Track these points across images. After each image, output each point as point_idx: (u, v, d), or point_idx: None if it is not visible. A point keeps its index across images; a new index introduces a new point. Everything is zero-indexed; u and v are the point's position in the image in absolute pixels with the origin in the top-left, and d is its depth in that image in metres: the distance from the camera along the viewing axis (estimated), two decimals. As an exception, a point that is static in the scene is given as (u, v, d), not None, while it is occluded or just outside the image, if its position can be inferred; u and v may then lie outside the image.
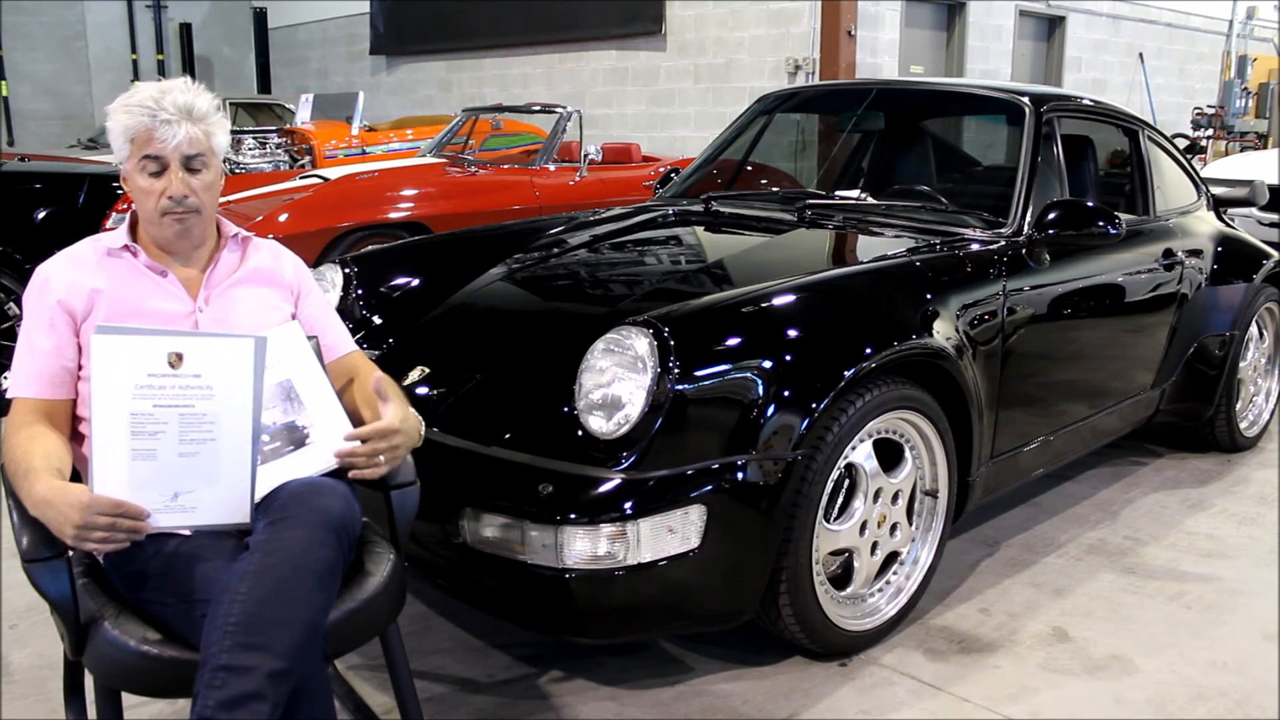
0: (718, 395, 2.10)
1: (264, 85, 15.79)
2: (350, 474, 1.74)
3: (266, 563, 1.52)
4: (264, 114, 10.36)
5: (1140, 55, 11.99)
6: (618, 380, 2.09)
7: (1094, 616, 2.68)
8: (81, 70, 14.86)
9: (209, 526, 1.60)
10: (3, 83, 14.16)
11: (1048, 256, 2.93)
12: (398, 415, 1.76)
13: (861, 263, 2.85)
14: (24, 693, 2.27)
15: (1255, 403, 4.13)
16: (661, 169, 6.00)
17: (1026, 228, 2.94)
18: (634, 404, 2.05)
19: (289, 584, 1.50)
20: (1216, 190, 4.23)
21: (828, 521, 2.31)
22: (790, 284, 2.37)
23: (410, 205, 5.63)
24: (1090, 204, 2.92)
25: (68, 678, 1.75)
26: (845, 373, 2.20)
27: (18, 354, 1.72)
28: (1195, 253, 3.68)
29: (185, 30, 15.64)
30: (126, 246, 1.78)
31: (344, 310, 2.81)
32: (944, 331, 2.49)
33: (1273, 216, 6.32)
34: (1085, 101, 3.57)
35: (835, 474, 2.26)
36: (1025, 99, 3.22)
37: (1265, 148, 10.83)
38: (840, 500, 2.36)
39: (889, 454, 2.46)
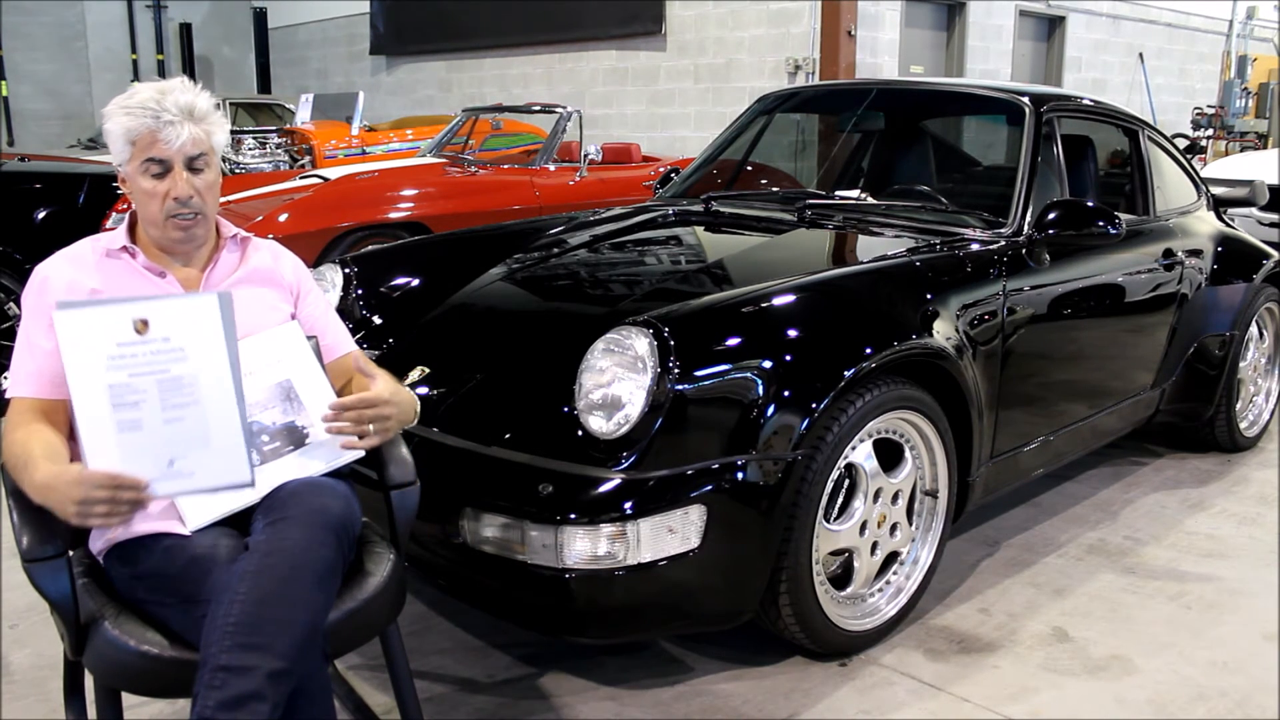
0: (718, 395, 2.10)
1: (264, 85, 15.79)
2: (342, 444, 1.73)
3: (266, 563, 1.52)
4: (264, 114, 10.37)
5: (1140, 55, 11.99)
6: (618, 380, 2.09)
7: (1094, 616, 2.68)
8: (81, 70, 14.87)
9: (211, 489, 1.59)
10: (3, 83, 14.16)
11: (1048, 256, 2.93)
12: (386, 388, 1.76)
13: (861, 263, 2.85)
14: (24, 693, 2.27)
15: (1255, 403, 4.13)
16: (661, 169, 6.00)
17: (1026, 228, 2.94)
18: (634, 404, 2.05)
19: (289, 584, 1.50)
20: (1216, 190, 4.23)
21: (828, 521, 2.31)
22: (790, 284, 2.37)
23: (410, 205, 5.63)
24: (1090, 204, 2.92)
25: (68, 678, 1.75)
26: (845, 373, 2.20)
27: (17, 353, 1.72)
28: (1195, 253, 3.68)
29: (185, 30, 15.64)
30: (125, 248, 1.77)
31: (344, 310, 2.81)
32: (944, 331, 2.49)
33: (1273, 216, 6.32)
34: (1085, 101, 3.57)
35: (835, 474, 2.26)
36: (1025, 99, 3.22)
37: (1265, 148, 10.83)
38: (840, 500, 2.36)
39: (889, 454, 2.46)
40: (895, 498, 2.48)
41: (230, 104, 9.74)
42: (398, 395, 1.78)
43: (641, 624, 2.19)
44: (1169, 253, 3.51)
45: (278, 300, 1.90)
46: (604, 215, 3.51)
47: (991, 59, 10.16)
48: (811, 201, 3.24)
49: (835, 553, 2.40)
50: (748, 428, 2.09)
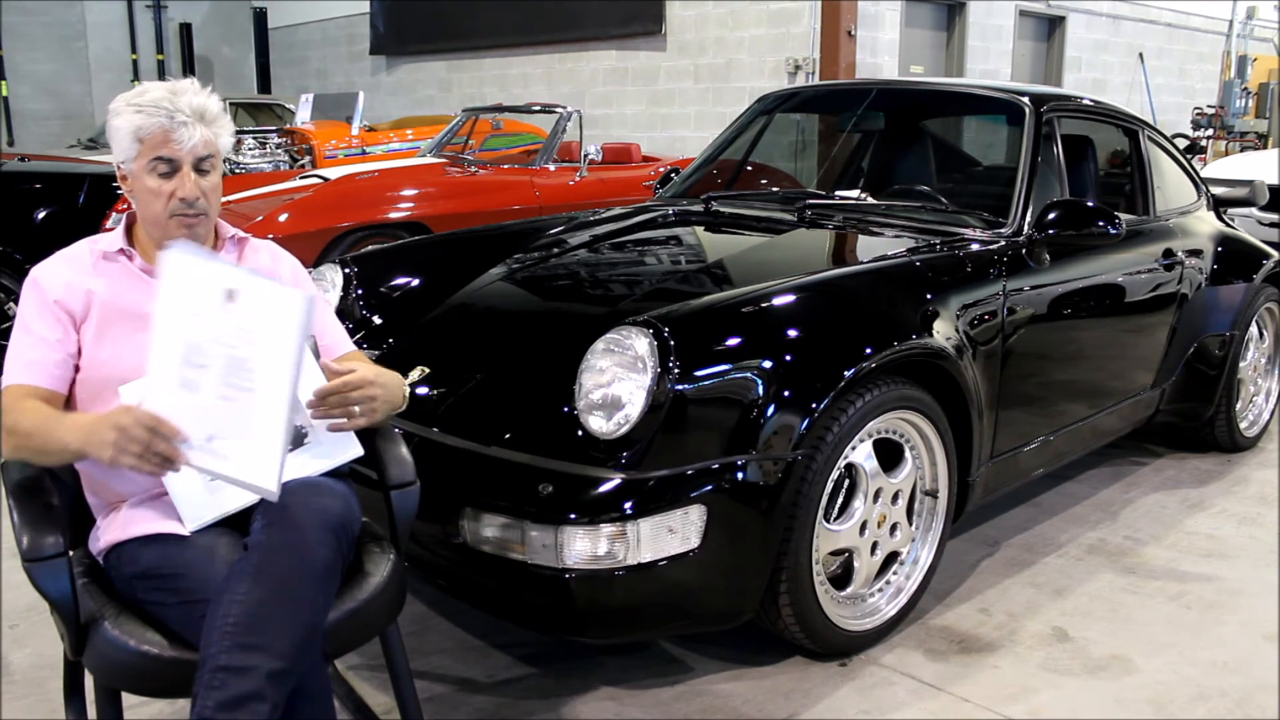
0: (718, 395, 2.10)
1: (264, 85, 15.79)
2: (329, 426, 1.72)
3: (265, 563, 1.52)
4: (264, 114, 10.36)
5: (1140, 55, 11.99)
6: (618, 380, 2.09)
7: (1094, 616, 2.68)
8: (81, 70, 14.86)
9: (235, 480, 1.58)
10: (3, 83, 14.16)
11: (1048, 256, 2.93)
12: (370, 371, 1.76)
13: (861, 263, 2.85)
14: (24, 693, 2.27)
15: (1255, 403, 4.13)
16: (661, 169, 6.00)
17: (1026, 228, 2.94)
18: (634, 404, 2.05)
19: (288, 584, 1.50)
20: (1216, 190, 4.23)
21: (828, 521, 2.31)
22: (790, 284, 2.37)
23: (410, 205, 5.63)
24: (1090, 204, 2.92)
25: (68, 678, 1.75)
26: (845, 373, 2.20)
27: (14, 346, 1.69)
28: (1195, 253, 3.68)
29: (185, 30, 15.63)
30: (122, 250, 1.77)
31: (344, 310, 2.81)
32: (944, 331, 2.49)
33: (1273, 216, 6.32)
34: (1085, 101, 3.57)
35: (835, 474, 2.26)
36: (1025, 99, 3.22)
37: (1265, 148, 10.83)
38: (840, 500, 2.36)
39: (889, 454, 2.46)
40: (895, 498, 2.48)
41: (230, 104, 9.72)
42: (381, 377, 1.77)
43: (641, 624, 2.19)
44: (1169, 253, 3.51)
45: (277, 300, 1.89)
46: (604, 215, 3.51)
47: (991, 59, 10.15)
48: (811, 201, 3.24)
49: (835, 553, 2.40)
50: (748, 428, 2.09)
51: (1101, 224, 2.85)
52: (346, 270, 2.93)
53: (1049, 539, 3.16)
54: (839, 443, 2.22)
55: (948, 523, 2.63)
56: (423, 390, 2.41)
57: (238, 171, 7.49)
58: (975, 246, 2.82)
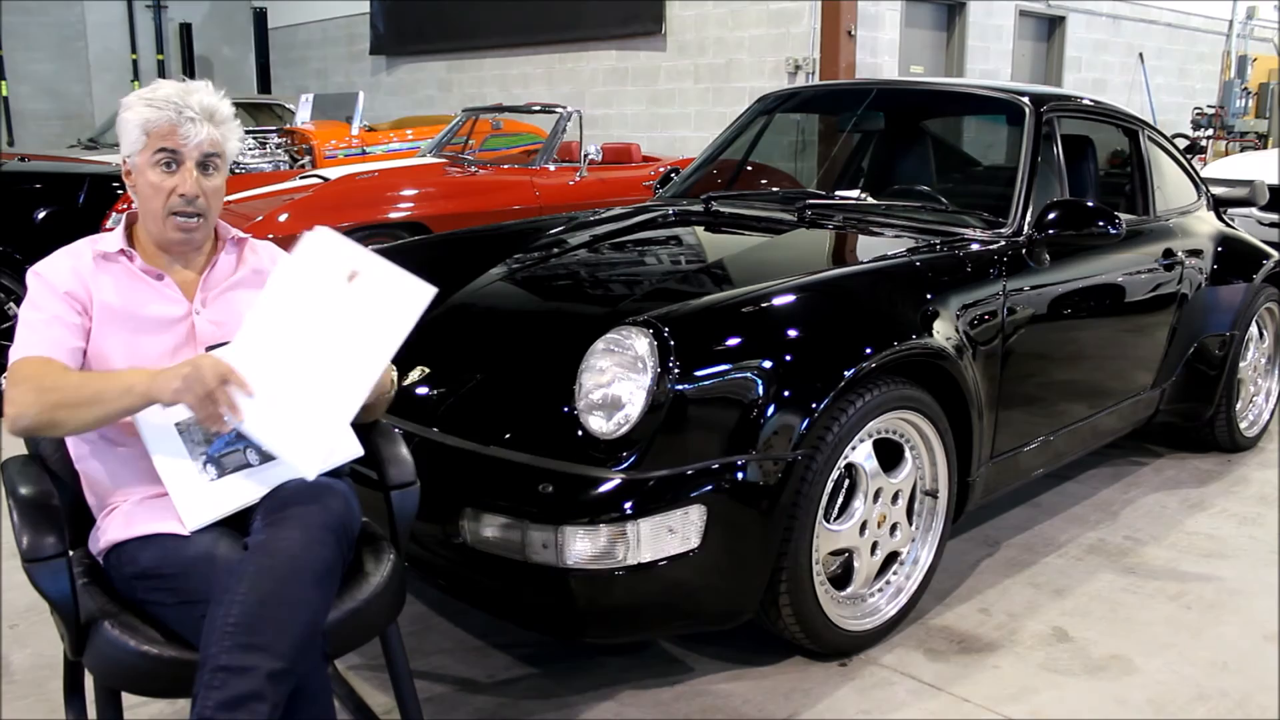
0: (718, 395, 2.10)
1: (264, 85, 15.78)
2: None
3: (266, 563, 1.52)
4: (264, 114, 10.36)
5: (1140, 55, 11.98)
6: (618, 380, 2.09)
7: (1094, 616, 2.68)
8: (81, 70, 14.85)
9: (279, 455, 1.60)
10: (3, 83, 14.15)
11: (1048, 256, 2.93)
12: None
13: (861, 263, 2.85)
14: (24, 693, 2.27)
15: (1255, 403, 4.13)
16: (661, 169, 6.00)
17: (1026, 228, 2.94)
18: (634, 404, 2.05)
19: (288, 584, 1.50)
20: (1216, 190, 4.23)
21: (828, 521, 2.31)
22: (790, 284, 2.37)
23: (410, 205, 5.63)
24: (1090, 204, 2.92)
25: (68, 678, 1.75)
26: (845, 373, 2.20)
27: (24, 328, 1.67)
28: (1195, 253, 3.68)
29: (185, 30, 15.63)
30: (123, 251, 1.77)
31: (344, 310, 2.81)
32: (944, 331, 2.49)
33: (1273, 216, 6.32)
34: (1085, 101, 3.57)
35: (835, 474, 2.26)
36: (1025, 99, 3.22)
37: (1265, 148, 10.83)
38: (840, 500, 2.36)
39: (889, 454, 2.46)
40: (895, 498, 2.48)
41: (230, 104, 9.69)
42: None
43: (641, 624, 2.19)
44: (1169, 253, 3.51)
45: (277, 300, 1.89)
46: (604, 215, 3.51)
47: (991, 59, 10.15)
48: (811, 201, 3.24)
49: (835, 553, 2.40)
50: (748, 428, 2.09)
51: (1101, 224, 2.85)
52: (346, 270, 2.92)
53: (1049, 539, 3.16)
54: (839, 443, 2.22)
55: (948, 523, 2.63)
56: (423, 390, 2.41)
57: (238, 171, 7.49)
58: (975, 246, 2.83)
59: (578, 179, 6.27)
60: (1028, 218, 2.95)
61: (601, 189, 6.25)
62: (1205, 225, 3.90)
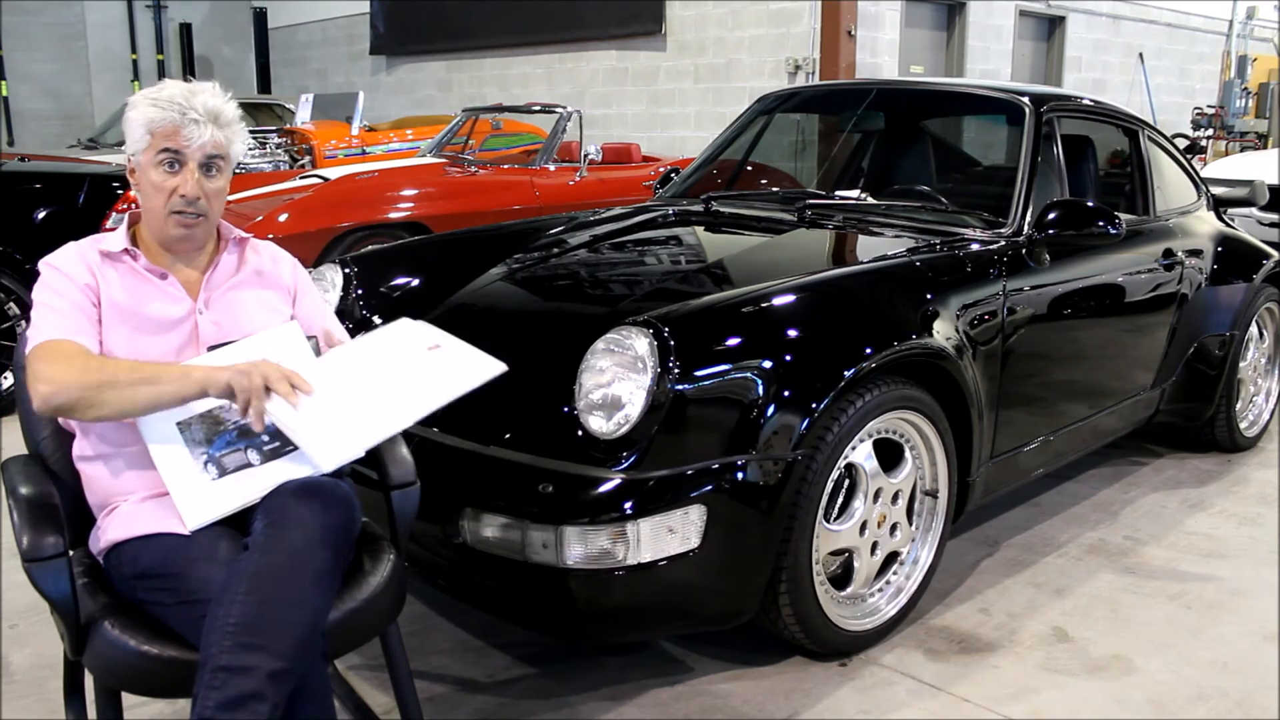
0: (718, 395, 2.10)
1: (264, 85, 15.78)
2: None
3: (266, 563, 1.52)
4: (264, 114, 10.35)
5: (1140, 55, 11.98)
6: (618, 380, 2.09)
7: (1094, 616, 2.68)
8: (81, 70, 14.85)
9: (300, 442, 1.65)
10: (3, 83, 14.15)
11: (1048, 256, 2.93)
12: None
13: (861, 263, 2.85)
14: (24, 693, 2.27)
15: (1255, 403, 4.13)
16: (661, 169, 6.00)
17: (1026, 228, 2.94)
18: (634, 404, 2.05)
19: (288, 584, 1.50)
20: (1216, 190, 4.23)
21: (828, 521, 2.31)
22: (790, 284, 2.37)
23: (410, 205, 5.63)
24: (1090, 204, 2.92)
25: (68, 678, 1.75)
26: (845, 373, 2.20)
27: (48, 311, 1.68)
28: (1195, 253, 3.68)
29: (185, 30, 15.62)
30: (126, 250, 1.77)
31: (344, 310, 2.81)
32: (944, 331, 2.49)
33: (1273, 216, 6.32)
34: (1085, 101, 3.57)
35: (835, 474, 2.26)
36: (1025, 99, 3.22)
37: (1265, 148, 10.83)
38: (840, 500, 2.36)
39: (889, 454, 2.46)
40: (895, 498, 2.48)
41: (230, 104, 9.66)
42: None
43: (641, 624, 2.19)
44: (1169, 253, 3.51)
45: (277, 302, 1.90)
46: (604, 215, 3.51)
47: (991, 59, 10.15)
48: (811, 201, 3.24)
49: (835, 553, 2.40)
50: (748, 428, 2.09)
51: (1101, 224, 2.85)
52: (346, 270, 2.93)
53: (1049, 539, 3.16)
54: (839, 443, 2.22)
55: (948, 523, 2.63)
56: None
57: (238, 171, 7.49)
58: (975, 246, 2.83)
59: (578, 179, 6.27)
60: (1028, 218, 2.95)
61: (601, 189, 6.25)
62: (1205, 225, 3.90)
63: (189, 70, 15.40)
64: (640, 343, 2.09)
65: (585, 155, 6.24)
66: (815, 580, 2.28)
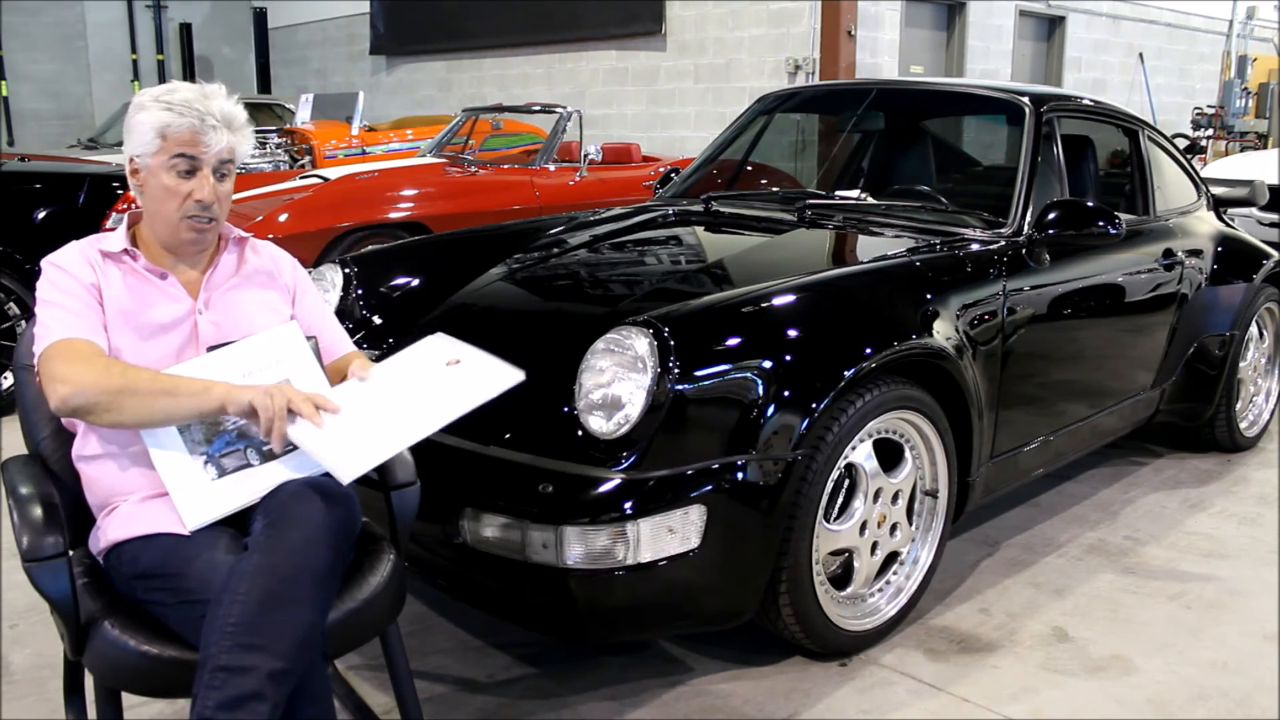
0: (718, 395, 2.10)
1: (264, 85, 15.78)
2: None
3: (266, 563, 1.52)
4: (264, 114, 10.35)
5: (1140, 55, 11.98)
6: (618, 380, 2.09)
7: (1094, 616, 2.68)
8: (81, 70, 14.85)
9: (320, 458, 1.65)
10: (3, 83, 14.15)
11: (1048, 256, 2.93)
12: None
13: (861, 263, 2.85)
14: (24, 693, 2.27)
15: (1255, 403, 4.13)
16: (661, 169, 6.00)
17: (1026, 228, 2.94)
18: (634, 404, 2.05)
19: (288, 584, 1.50)
20: (1216, 190, 4.23)
21: (828, 521, 2.31)
22: (790, 284, 2.37)
23: (410, 205, 5.63)
24: (1090, 204, 2.92)
25: (68, 678, 1.75)
26: (845, 373, 2.20)
27: (58, 309, 1.67)
28: (1195, 253, 3.68)
29: (185, 30, 15.63)
30: (126, 251, 1.77)
31: (344, 310, 2.81)
32: (944, 331, 2.49)
33: (1273, 216, 6.32)
34: (1085, 101, 3.57)
35: (835, 474, 2.26)
36: (1025, 99, 3.22)
37: (1265, 148, 10.83)
38: (840, 500, 2.36)
39: (889, 454, 2.46)
40: (895, 498, 2.48)
41: (230, 104, 9.64)
42: None
43: (641, 624, 2.19)
44: (1169, 253, 3.51)
45: (277, 302, 1.90)
46: (604, 215, 3.51)
47: (991, 59, 10.15)
48: (811, 201, 3.24)
49: (835, 553, 2.40)
50: (748, 428, 2.09)
51: (1101, 224, 2.85)
52: (346, 270, 2.93)
53: (1049, 539, 3.16)
54: (839, 443, 2.22)
55: (948, 523, 2.63)
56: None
57: (238, 171, 7.49)
58: (975, 246, 2.83)
59: (578, 179, 6.27)
60: (1028, 218, 2.95)
61: (601, 189, 6.25)
62: (1205, 225, 3.90)
63: (189, 70, 15.41)
64: (640, 343, 2.09)
65: (585, 155, 6.24)
66: (815, 580, 2.28)
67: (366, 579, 1.73)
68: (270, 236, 4.72)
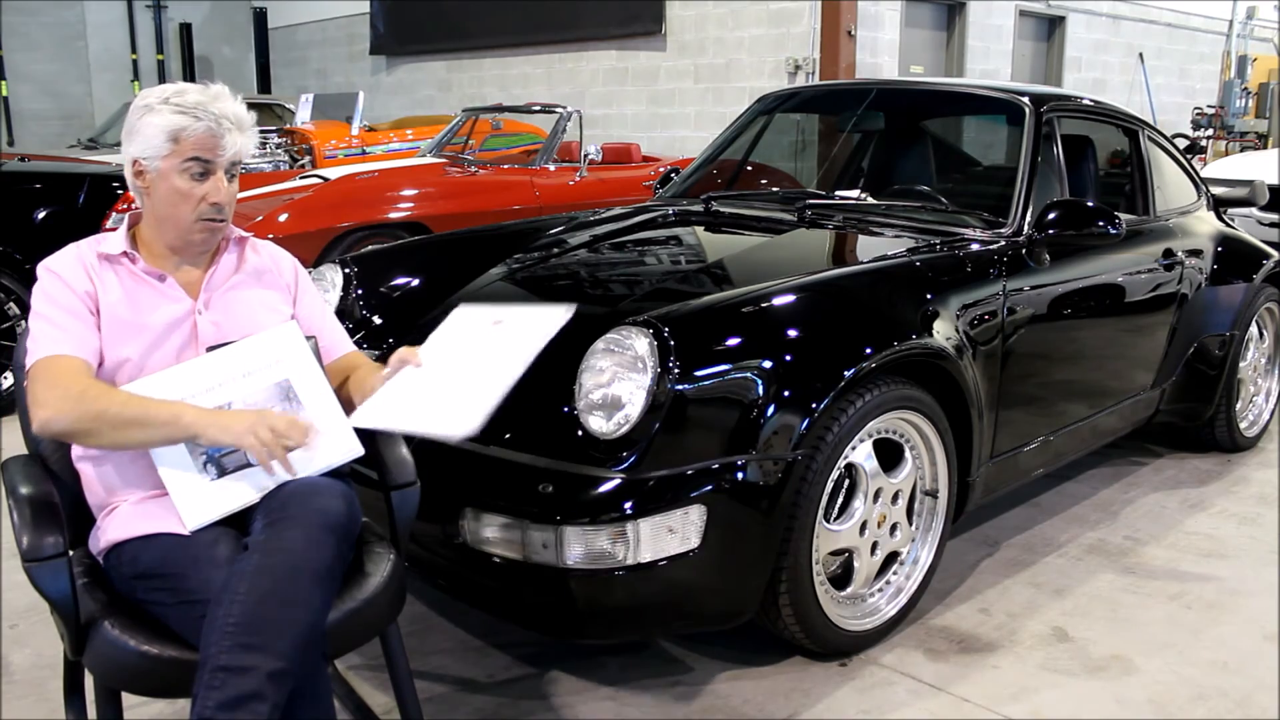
0: (718, 395, 2.10)
1: (264, 85, 15.78)
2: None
3: (266, 563, 1.52)
4: (264, 114, 10.35)
5: (1140, 55, 11.98)
6: (618, 380, 2.09)
7: (1094, 616, 2.68)
8: (81, 70, 14.85)
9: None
10: (3, 83, 14.15)
11: (1048, 256, 2.93)
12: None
13: (861, 263, 2.85)
14: (24, 693, 2.27)
15: (1255, 403, 4.13)
16: (661, 169, 6.00)
17: (1026, 228, 2.94)
18: (634, 404, 2.05)
19: (288, 584, 1.50)
20: (1216, 190, 4.23)
21: (828, 521, 2.31)
22: (790, 284, 2.37)
23: (410, 205, 5.63)
24: (1090, 204, 2.92)
25: (68, 678, 1.75)
26: (845, 373, 2.20)
27: (47, 322, 1.67)
28: (1195, 253, 3.68)
29: (185, 30, 15.63)
30: (125, 253, 1.76)
31: (344, 310, 2.81)
32: (944, 331, 2.49)
33: (1273, 216, 6.32)
34: (1085, 101, 3.57)
35: (835, 474, 2.26)
36: (1025, 99, 3.22)
37: (1265, 148, 10.83)
38: (840, 500, 2.36)
39: (889, 454, 2.46)
40: (895, 498, 2.48)
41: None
42: None
43: (641, 624, 2.19)
44: (1169, 253, 3.51)
45: (278, 301, 1.89)
46: (604, 215, 3.51)
47: (991, 59, 10.15)
48: (811, 201, 3.24)
49: (835, 553, 2.40)
50: (748, 428, 2.09)
51: (1101, 224, 2.85)
52: (346, 270, 2.93)
53: (1049, 539, 3.16)
54: (839, 443, 2.22)
55: (948, 523, 2.63)
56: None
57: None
58: (975, 246, 2.82)
59: (578, 179, 6.27)
60: (1028, 218, 2.95)
61: (601, 189, 6.25)
62: (1205, 225, 3.90)
63: (189, 70, 15.41)
64: (640, 343, 2.09)
65: (585, 155, 6.24)
66: (815, 580, 2.28)
67: (366, 579, 1.73)
68: (270, 236, 4.71)
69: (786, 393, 2.13)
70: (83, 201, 4.91)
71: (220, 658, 1.43)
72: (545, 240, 3.21)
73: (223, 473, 1.68)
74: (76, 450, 1.75)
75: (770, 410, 2.11)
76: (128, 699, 1.67)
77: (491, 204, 5.81)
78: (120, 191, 4.97)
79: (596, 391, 2.10)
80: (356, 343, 2.07)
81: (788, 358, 2.18)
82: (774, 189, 4.20)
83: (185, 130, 1.69)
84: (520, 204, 5.92)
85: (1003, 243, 2.87)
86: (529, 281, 2.89)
